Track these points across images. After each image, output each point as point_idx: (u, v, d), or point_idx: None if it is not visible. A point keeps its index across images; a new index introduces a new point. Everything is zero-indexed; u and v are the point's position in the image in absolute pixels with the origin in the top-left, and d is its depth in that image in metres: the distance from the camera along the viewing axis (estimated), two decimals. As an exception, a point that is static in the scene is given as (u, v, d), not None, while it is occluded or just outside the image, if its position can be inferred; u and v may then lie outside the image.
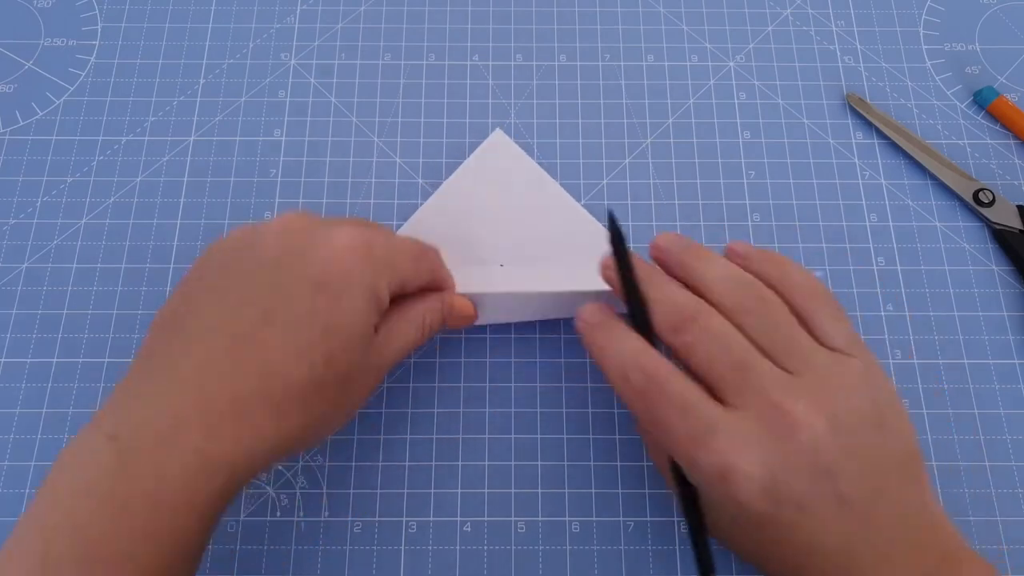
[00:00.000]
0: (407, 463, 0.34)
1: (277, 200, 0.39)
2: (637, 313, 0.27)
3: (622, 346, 0.27)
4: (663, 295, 0.28)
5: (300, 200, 0.39)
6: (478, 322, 0.34)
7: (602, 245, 0.33)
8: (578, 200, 0.39)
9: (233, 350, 0.24)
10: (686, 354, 0.27)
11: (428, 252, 0.31)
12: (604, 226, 0.38)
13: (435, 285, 0.31)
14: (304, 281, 0.25)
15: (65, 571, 0.22)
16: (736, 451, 0.24)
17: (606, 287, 0.30)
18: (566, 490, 0.34)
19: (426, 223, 0.38)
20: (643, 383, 0.26)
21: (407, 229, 0.38)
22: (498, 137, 0.40)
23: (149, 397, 0.24)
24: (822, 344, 0.27)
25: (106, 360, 0.36)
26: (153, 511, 0.22)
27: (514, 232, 0.37)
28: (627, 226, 0.39)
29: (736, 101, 0.42)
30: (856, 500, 0.25)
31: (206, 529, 0.24)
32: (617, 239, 0.28)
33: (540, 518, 0.34)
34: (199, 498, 0.23)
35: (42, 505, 0.23)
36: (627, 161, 0.40)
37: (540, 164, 0.40)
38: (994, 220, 0.38)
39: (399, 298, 0.30)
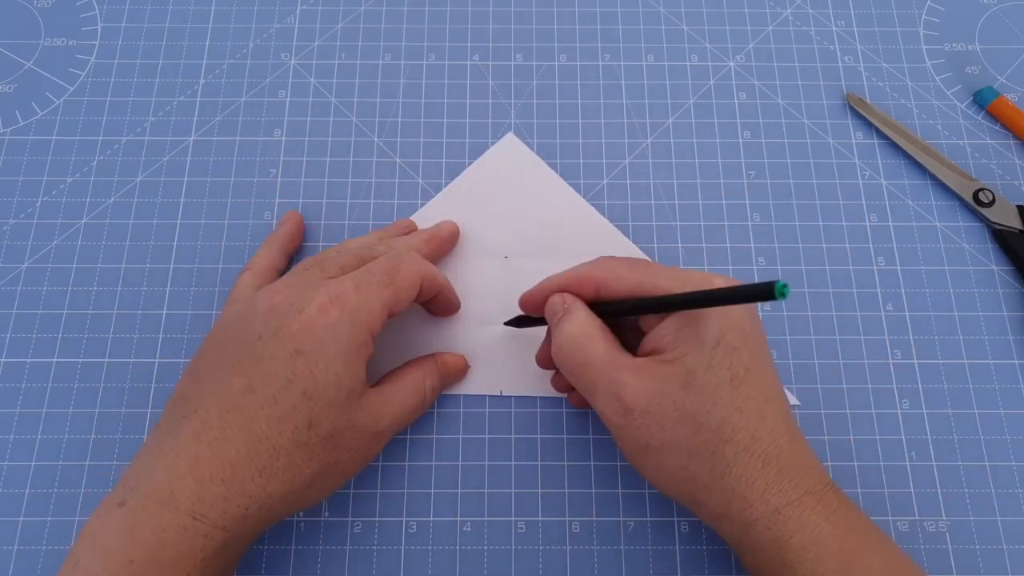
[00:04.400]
0: (407, 463, 0.34)
1: (277, 200, 0.39)
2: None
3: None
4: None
5: (300, 200, 0.39)
6: None
7: (608, 240, 0.38)
8: (578, 200, 0.39)
9: (222, 419, 0.27)
10: None
11: (404, 267, 0.31)
12: (608, 221, 0.39)
13: (430, 286, 0.32)
14: (282, 351, 0.27)
15: None
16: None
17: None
18: (566, 490, 0.34)
19: (434, 215, 0.38)
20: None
21: (417, 220, 0.39)
22: (510, 140, 0.40)
23: (152, 465, 0.27)
24: None
25: (106, 360, 0.36)
26: (156, 568, 0.25)
27: (519, 226, 0.38)
28: (627, 226, 0.39)
29: (736, 101, 0.42)
30: (748, 384, 0.27)
31: (211, 573, 0.27)
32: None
33: (540, 518, 0.34)
34: (196, 556, 0.26)
35: (67, 568, 0.26)
36: (627, 161, 0.40)
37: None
38: (994, 220, 0.38)
39: (401, 370, 0.33)
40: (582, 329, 0.28)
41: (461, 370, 0.35)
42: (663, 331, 0.28)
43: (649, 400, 0.27)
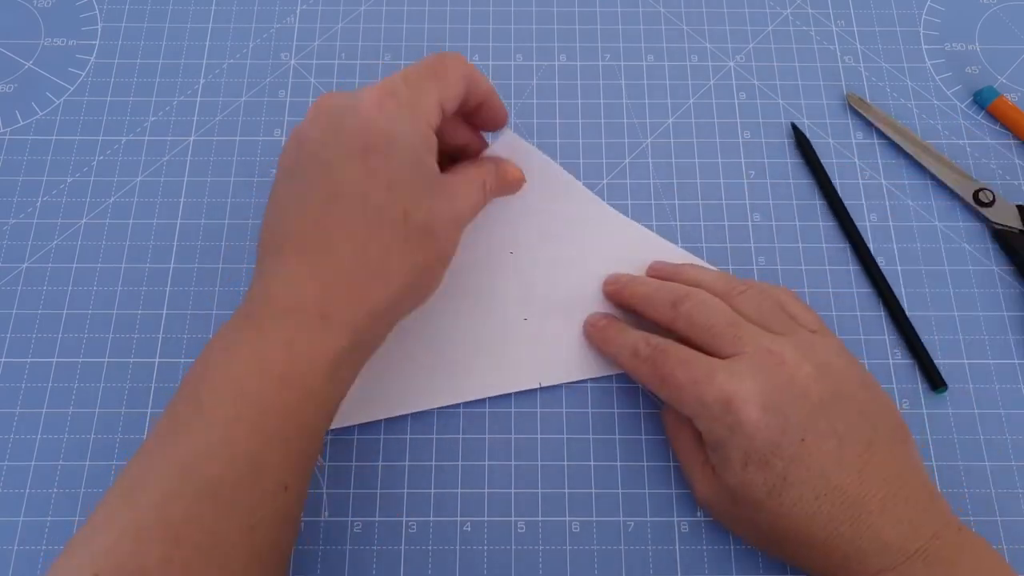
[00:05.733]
0: (407, 463, 0.34)
1: (277, 200, 0.39)
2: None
3: (628, 334, 0.33)
4: (661, 284, 0.34)
5: (300, 200, 0.39)
6: None
7: (610, 229, 0.39)
8: (578, 200, 0.39)
9: (319, 229, 0.27)
10: (686, 323, 0.31)
11: (447, 59, 0.30)
12: (608, 206, 0.39)
13: (475, 87, 0.31)
14: (350, 152, 0.27)
15: (219, 413, 0.25)
16: (734, 382, 0.28)
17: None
18: (566, 490, 0.34)
19: None
20: (649, 352, 0.31)
21: None
22: (508, 137, 0.40)
23: (268, 281, 0.27)
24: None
25: (106, 360, 0.36)
26: (288, 364, 0.25)
27: (520, 219, 0.38)
28: (627, 226, 0.39)
29: (736, 101, 0.42)
30: (854, 442, 0.28)
31: (336, 383, 0.27)
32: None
33: (540, 518, 0.34)
34: (327, 356, 0.26)
35: (199, 370, 0.26)
36: (627, 161, 0.40)
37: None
38: (994, 220, 0.38)
39: (459, 165, 0.32)
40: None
41: (518, 181, 0.35)
42: (708, 449, 0.30)
43: (711, 499, 0.31)
